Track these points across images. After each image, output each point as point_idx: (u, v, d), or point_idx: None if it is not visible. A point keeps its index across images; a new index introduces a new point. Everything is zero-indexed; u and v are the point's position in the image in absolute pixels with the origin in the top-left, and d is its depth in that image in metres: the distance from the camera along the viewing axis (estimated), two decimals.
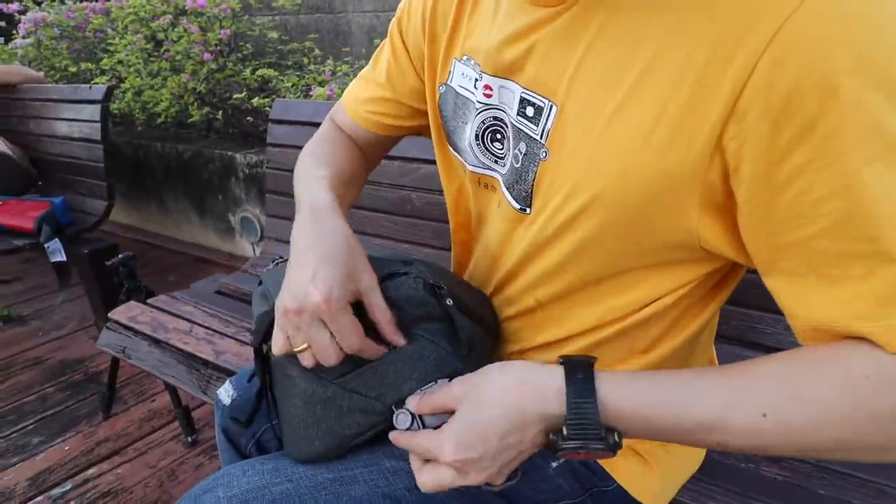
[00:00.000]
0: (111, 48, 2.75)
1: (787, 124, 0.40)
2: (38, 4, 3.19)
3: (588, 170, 0.49)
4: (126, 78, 2.60)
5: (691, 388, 0.45)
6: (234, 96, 2.27)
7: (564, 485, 0.61)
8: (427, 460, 0.52)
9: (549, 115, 0.52)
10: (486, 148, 0.62)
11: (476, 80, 0.62)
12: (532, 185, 0.55)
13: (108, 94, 1.97)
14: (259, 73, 2.19)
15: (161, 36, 2.46)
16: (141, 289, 1.49)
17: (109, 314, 1.40)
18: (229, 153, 2.55)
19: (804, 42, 0.38)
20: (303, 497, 0.57)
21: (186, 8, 2.24)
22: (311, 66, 2.38)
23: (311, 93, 1.99)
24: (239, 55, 2.47)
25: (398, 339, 0.56)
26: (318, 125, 1.79)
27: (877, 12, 0.37)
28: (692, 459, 0.70)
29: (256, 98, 2.19)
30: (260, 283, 0.69)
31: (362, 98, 0.79)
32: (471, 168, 0.65)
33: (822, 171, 0.39)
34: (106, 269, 1.53)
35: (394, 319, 0.56)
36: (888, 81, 0.37)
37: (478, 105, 0.61)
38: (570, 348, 0.62)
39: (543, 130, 0.53)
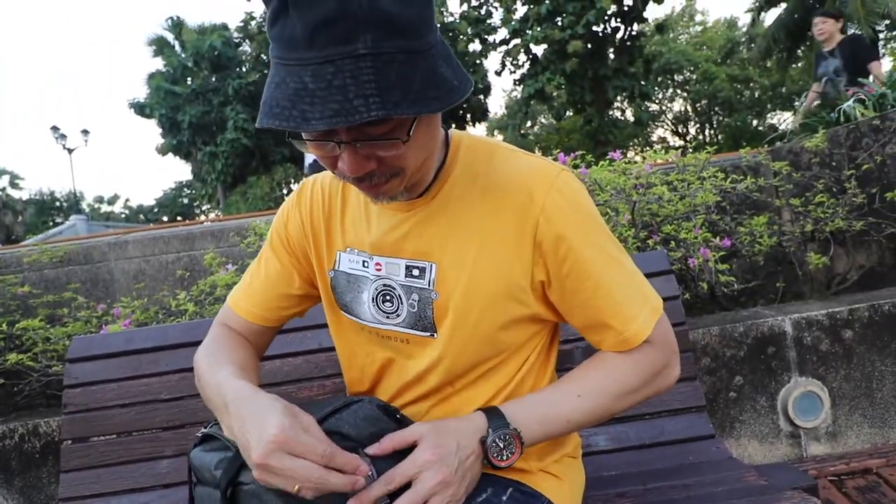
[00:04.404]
0: None
1: (557, 252, 0.77)
2: None
3: (467, 296, 0.79)
4: None
5: (548, 394, 0.81)
6: None
7: None
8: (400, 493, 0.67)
9: (431, 271, 0.80)
10: (379, 308, 0.84)
11: (365, 262, 0.85)
12: (433, 317, 0.81)
13: None
14: (21, 325, 1.90)
15: None
16: None
17: None
18: None
19: (552, 215, 0.77)
20: None
21: None
22: (82, 312, 2.17)
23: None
24: None
25: (355, 462, 0.66)
26: (133, 353, 1.65)
27: (575, 201, 0.79)
28: (581, 478, 0.98)
29: (13, 355, 1.88)
30: (200, 442, 0.79)
31: (252, 299, 0.94)
32: (371, 325, 0.86)
33: (577, 267, 0.78)
34: None
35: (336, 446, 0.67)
36: (586, 231, 0.79)
37: (371, 278, 0.84)
38: None
39: (430, 280, 0.80)
